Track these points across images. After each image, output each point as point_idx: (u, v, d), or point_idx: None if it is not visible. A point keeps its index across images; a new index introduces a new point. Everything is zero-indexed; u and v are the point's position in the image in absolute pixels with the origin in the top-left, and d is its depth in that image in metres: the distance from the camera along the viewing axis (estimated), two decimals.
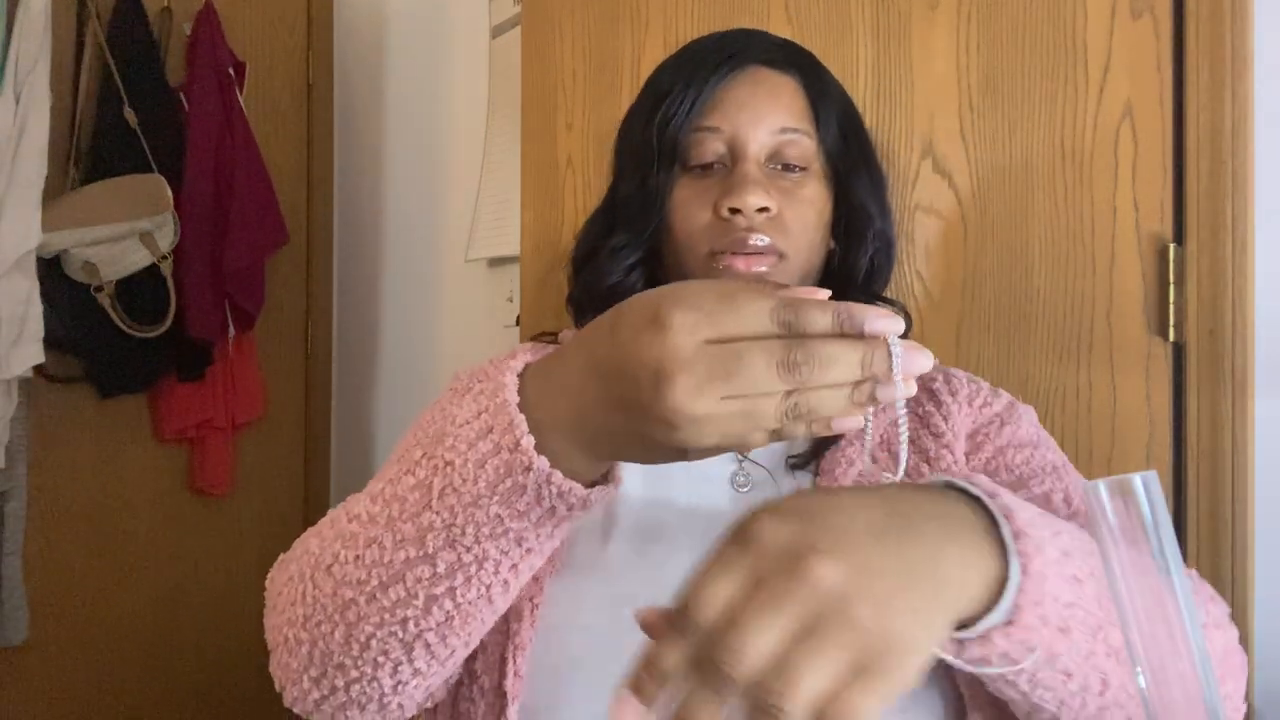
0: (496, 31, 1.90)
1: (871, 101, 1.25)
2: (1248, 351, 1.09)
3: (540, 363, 0.54)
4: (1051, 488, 0.76)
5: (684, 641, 0.42)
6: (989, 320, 1.21)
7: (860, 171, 0.85)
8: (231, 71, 2.17)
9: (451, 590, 0.56)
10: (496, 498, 0.52)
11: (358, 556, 0.58)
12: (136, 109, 2.02)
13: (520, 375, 0.54)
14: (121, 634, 2.11)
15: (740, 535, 0.44)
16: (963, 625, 0.50)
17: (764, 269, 0.78)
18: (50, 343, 1.84)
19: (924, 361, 0.46)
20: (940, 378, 0.85)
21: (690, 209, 0.80)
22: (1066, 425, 1.15)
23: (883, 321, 0.45)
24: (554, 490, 0.52)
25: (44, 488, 2.00)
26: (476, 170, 1.94)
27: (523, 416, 0.51)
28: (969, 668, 0.52)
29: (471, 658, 0.72)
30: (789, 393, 0.45)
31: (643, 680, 0.43)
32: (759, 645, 0.41)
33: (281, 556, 0.69)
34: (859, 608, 0.42)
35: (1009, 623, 0.49)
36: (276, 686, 0.66)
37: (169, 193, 2.00)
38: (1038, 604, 0.50)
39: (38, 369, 1.87)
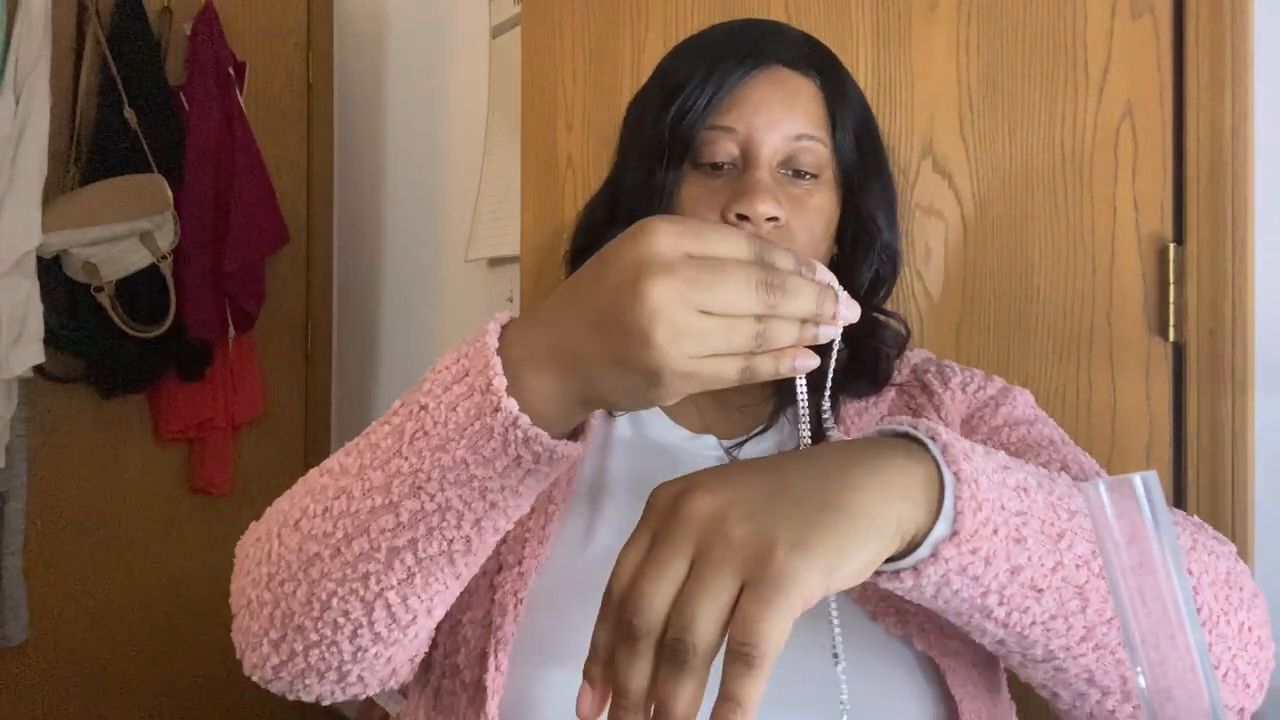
0: (496, 31, 1.90)
1: (871, 101, 1.24)
2: (1248, 351, 1.09)
3: (524, 315, 0.54)
4: (1049, 459, 0.75)
5: (607, 616, 0.46)
6: (989, 320, 1.21)
7: (872, 182, 0.83)
8: (231, 71, 2.17)
9: (413, 543, 0.56)
10: (465, 440, 0.52)
11: (325, 509, 0.58)
12: (136, 109, 2.02)
13: (505, 325, 0.54)
14: (121, 634, 2.11)
15: (645, 508, 0.48)
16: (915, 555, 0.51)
17: None
18: (50, 343, 1.84)
19: (855, 313, 0.51)
20: (933, 369, 0.85)
21: (697, 210, 0.78)
22: (1066, 425, 1.15)
23: (828, 274, 0.50)
24: (520, 435, 0.51)
25: (44, 488, 2.00)
26: (476, 170, 1.94)
27: (499, 359, 0.51)
28: (938, 603, 0.53)
29: (454, 651, 0.72)
30: (759, 318, 0.47)
31: (588, 666, 0.46)
32: (656, 594, 0.44)
33: (252, 523, 0.69)
34: (734, 527, 0.44)
35: (955, 533, 0.50)
36: (236, 653, 0.66)
37: (169, 193, 2.00)
38: (977, 509, 0.50)
39: (38, 369, 1.87)
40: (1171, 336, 1.12)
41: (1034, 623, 0.55)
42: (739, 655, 0.42)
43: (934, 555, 0.50)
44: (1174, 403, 1.12)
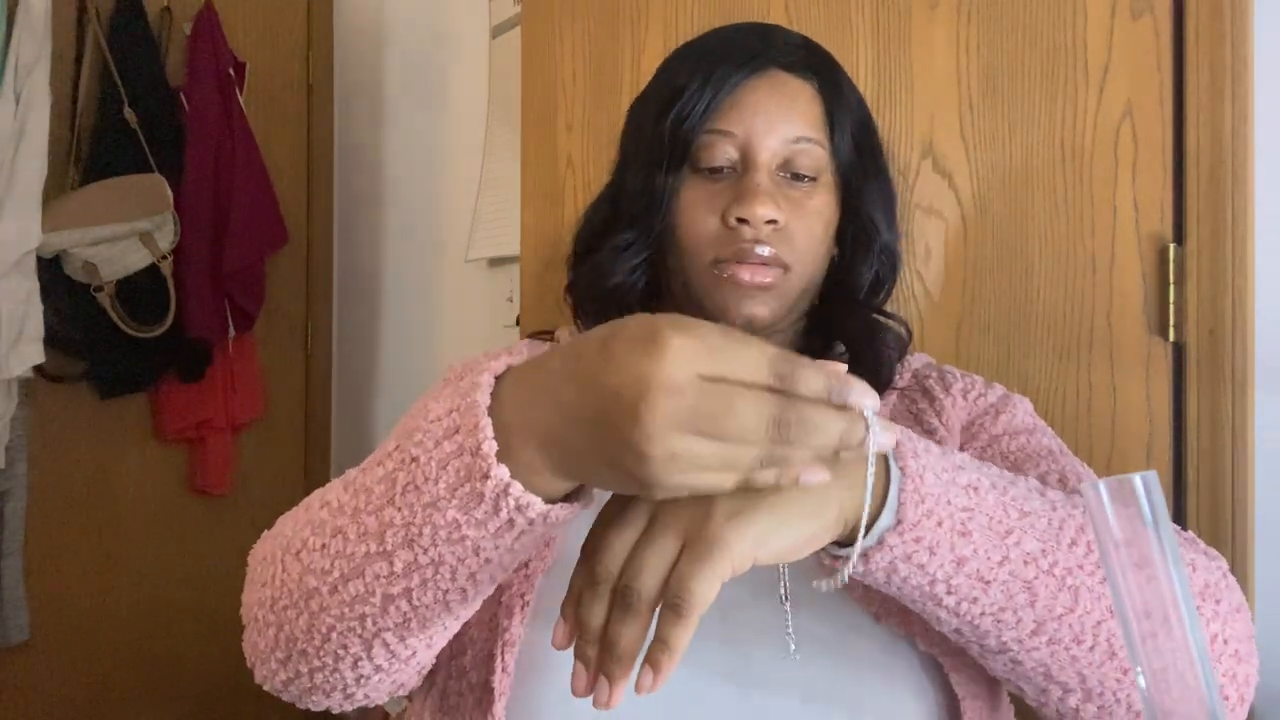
0: (496, 31, 1.90)
1: (871, 101, 1.25)
2: (1248, 351, 1.09)
3: (523, 365, 0.52)
4: (1047, 470, 0.76)
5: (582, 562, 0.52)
6: (989, 320, 1.21)
7: (871, 184, 0.83)
8: (231, 71, 2.17)
9: (408, 591, 0.55)
10: (455, 501, 0.50)
11: (324, 545, 0.57)
12: (136, 109, 2.02)
13: (501, 377, 0.52)
14: (122, 634, 2.11)
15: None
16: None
17: (768, 280, 0.77)
18: (50, 343, 1.84)
19: (891, 439, 0.48)
20: (934, 374, 0.85)
21: (697, 213, 0.79)
22: (1066, 425, 1.15)
23: (869, 398, 0.46)
24: (511, 502, 0.49)
25: (44, 488, 2.00)
26: (476, 170, 1.94)
27: (489, 420, 0.49)
28: (892, 589, 0.58)
29: (461, 653, 0.72)
30: (770, 444, 0.45)
31: (564, 604, 0.53)
32: (616, 545, 0.51)
33: (265, 532, 0.69)
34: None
35: (898, 522, 0.54)
36: (247, 663, 0.66)
37: (169, 193, 2.00)
38: (920, 501, 0.54)
39: (38, 369, 1.87)
40: (1171, 336, 1.12)
41: (983, 613, 0.58)
42: (671, 605, 0.48)
43: (880, 543, 0.55)
44: (1174, 403, 1.12)
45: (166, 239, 2.01)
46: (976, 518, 0.56)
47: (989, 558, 0.56)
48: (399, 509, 0.53)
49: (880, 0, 1.25)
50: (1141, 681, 0.38)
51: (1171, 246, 1.12)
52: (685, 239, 0.79)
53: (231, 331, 2.15)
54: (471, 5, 1.98)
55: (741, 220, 0.76)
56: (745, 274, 0.76)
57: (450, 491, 0.50)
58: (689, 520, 0.50)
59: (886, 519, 0.55)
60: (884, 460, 0.55)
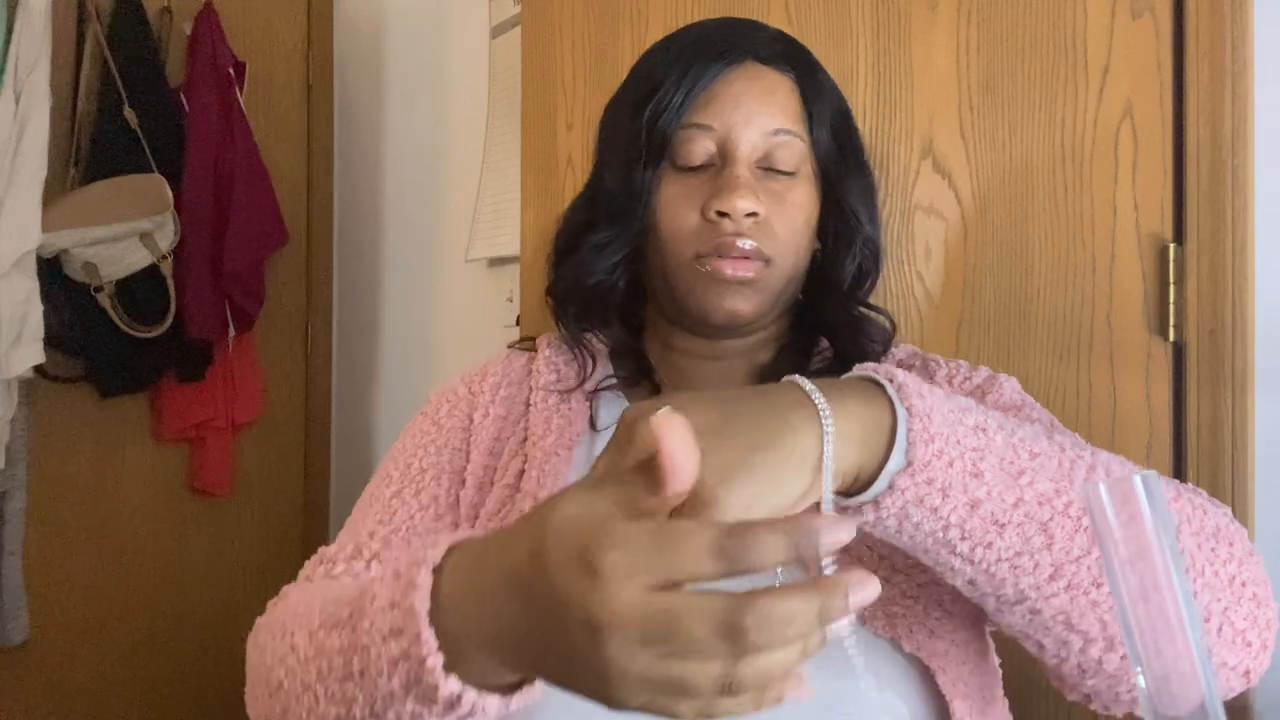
0: (496, 31, 1.90)
1: (871, 101, 1.25)
2: (1248, 351, 1.09)
3: (461, 558, 0.49)
4: None
5: None
6: (989, 320, 1.21)
7: (851, 176, 0.83)
8: (231, 71, 2.17)
9: None
10: (411, 698, 0.49)
11: (297, 696, 0.57)
12: (136, 109, 2.02)
13: (443, 563, 0.49)
14: (121, 634, 2.11)
15: (616, 426, 0.50)
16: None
17: (750, 274, 0.77)
18: (50, 343, 1.84)
19: (873, 591, 0.40)
20: (918, 363, 0.85)
21: (677, 209, 0.78)
22: (1066, 425, 1.15)
23: (843, 531, 0.40)
24: (467, 706, 0.48)
25: (44, 487, 2.00)
26: (476, 170, 1.94)
27: (431, 631, 0.47)
28: (903, 539, 0.55)
29: None
30: (732, 658, 0.39)
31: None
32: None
33: (260, 620, 0.68)
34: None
35: (909, 464, 0.52)
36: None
37: (169, 193, 2.00)
38: (930, 441, 0.53)
39: (38, 369, 1.87)
40: (1171, 336, 1.12)
41: (999, 559, 0.56)
42: None
43: (891, 487, 0.53)
44: (1174, 403, 1.12)
45: (166, 239, 2.01)
46: (987, 458, 0.54)
47: (1003, 499, 0.54)
48: (362, 688, 0.52)
49: (880, 0, 1.25)
50: (1141, 681, 0.38)
51: (1171, 246, 1.12)
52: (666, 235, 0.79)
53: (231, 331, 2.15)
54: (471, 5, 1.98)
55: (722, 214, 0.76)
56: (727, 268, 0.76)
57: (405, 691, 0.49)
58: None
59: (896, 460, 0.53)
60: (890, 407, 0.54)
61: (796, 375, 0.55)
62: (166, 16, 2.14)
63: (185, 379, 2.12)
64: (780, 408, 0.52)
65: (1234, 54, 1.09)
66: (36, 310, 1.80)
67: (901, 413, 0.53)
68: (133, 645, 2.13)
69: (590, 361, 0.87)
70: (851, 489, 0.54)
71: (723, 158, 0.78)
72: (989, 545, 0.55)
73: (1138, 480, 0.37)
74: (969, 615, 0.73)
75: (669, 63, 0.80)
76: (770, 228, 0.77)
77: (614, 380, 0.86)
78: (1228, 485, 1.09)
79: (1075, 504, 0.56)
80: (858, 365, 0.59)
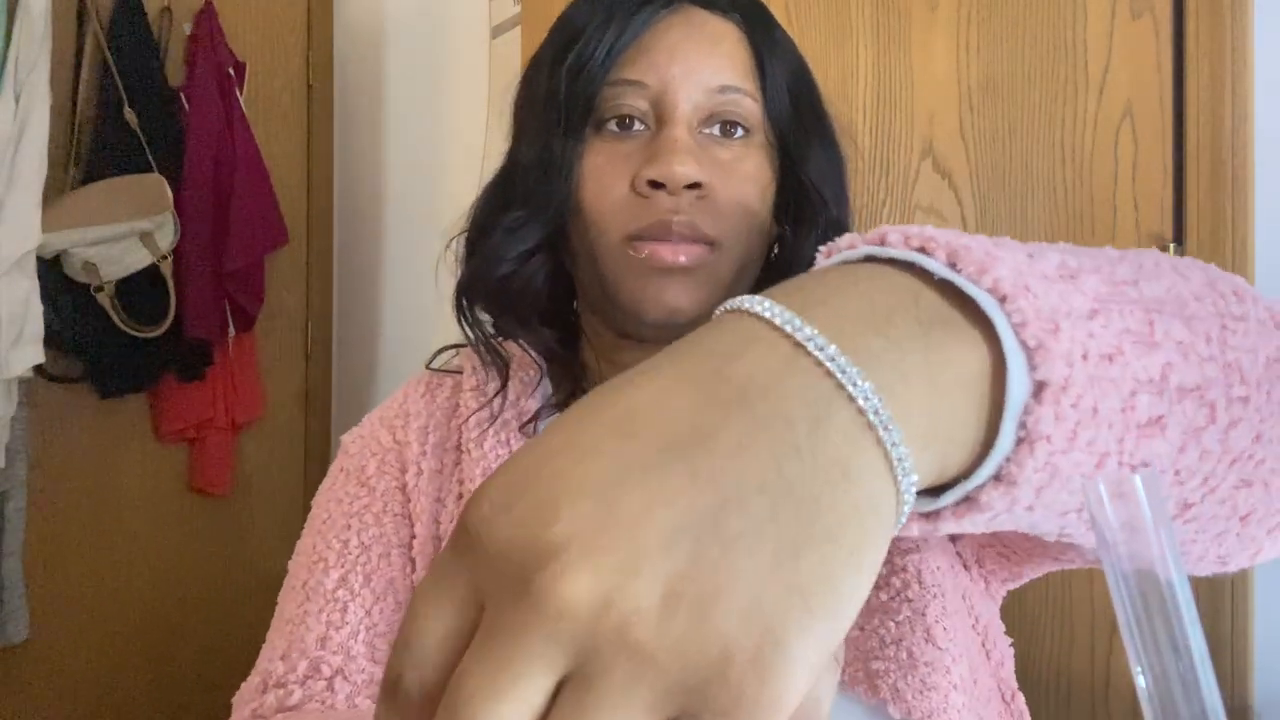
0: (496, 31, 1.90)
1: (871, 102, 1.25)
2: None
3: None
4: None
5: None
6: None
7: (812, 144, 0.69)
8: (231, 71, 2.17)
9: None
10: None
11: None
12: (136, 109, 2.02)
13: None
14: (121, 634, 2.11)
15: (456, 532, 0.26)
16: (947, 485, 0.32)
17: (690, 260, 0.63)
18: (50, 343, 1.84)
19: None
20: None
21: (603, 180, 0.64)
22: None
23: None
24: None
25: (44, 488, 2.00)
26: (476, 170, 1.94)
27: None
28: (1039, 504, 0.33)
29: None
30: None
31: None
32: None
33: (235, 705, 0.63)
34: (642, 628, 0.24)
35: (1041, 387, 0.30)
36: None
37: (169, 193, 2.00)
38: (1054, 334, 0.31)
39: (38, 369, 1.87)
40: None
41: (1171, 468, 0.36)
42: None
43: (1024, 434, 0.31)
44: None
45: (166, 239, 2.01)
46: (1110, 321, 0.33)
47: (1148, 375, 0.33)
48: None
49: (880, 1, 1.25)
50: (1141, 682, 0.38)
51: (1171, 246, 1.12)
52: (591, 212, 0.65)
53: (231, 331, 2.15)
54: (471, 5, 1.98)
55: (656, 184, 0.62)
56: (666, 252, 0.62)
57: None
58: (678, 679, 0.24)
59: (1019, 388, 0.30)
60: (978, 334, 0.31)
61: (772, 309, 0.29)
62: (166, 16, 2.14)
63: (185, 379, 2.12)
64: (820, 469, 0.26)
65: (1234, 54, 1.09)
66: (36, 310, 1.80)
67: (1012, 343, 0.30)
68: (133, 645, 2.13)
69: (507, 378, 0.71)
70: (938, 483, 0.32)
71: (658, 120, 0.65)
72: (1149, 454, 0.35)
73: (1137, 479, 0.37)
74: (966, 633, 0.61)
75: (591, 9, 0.68)
76: (715, 204, 0.63)
77: (554, 402, 0.71)
78: None
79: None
80: (846, 237, 0.35)
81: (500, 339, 0.72)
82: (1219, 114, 1.09)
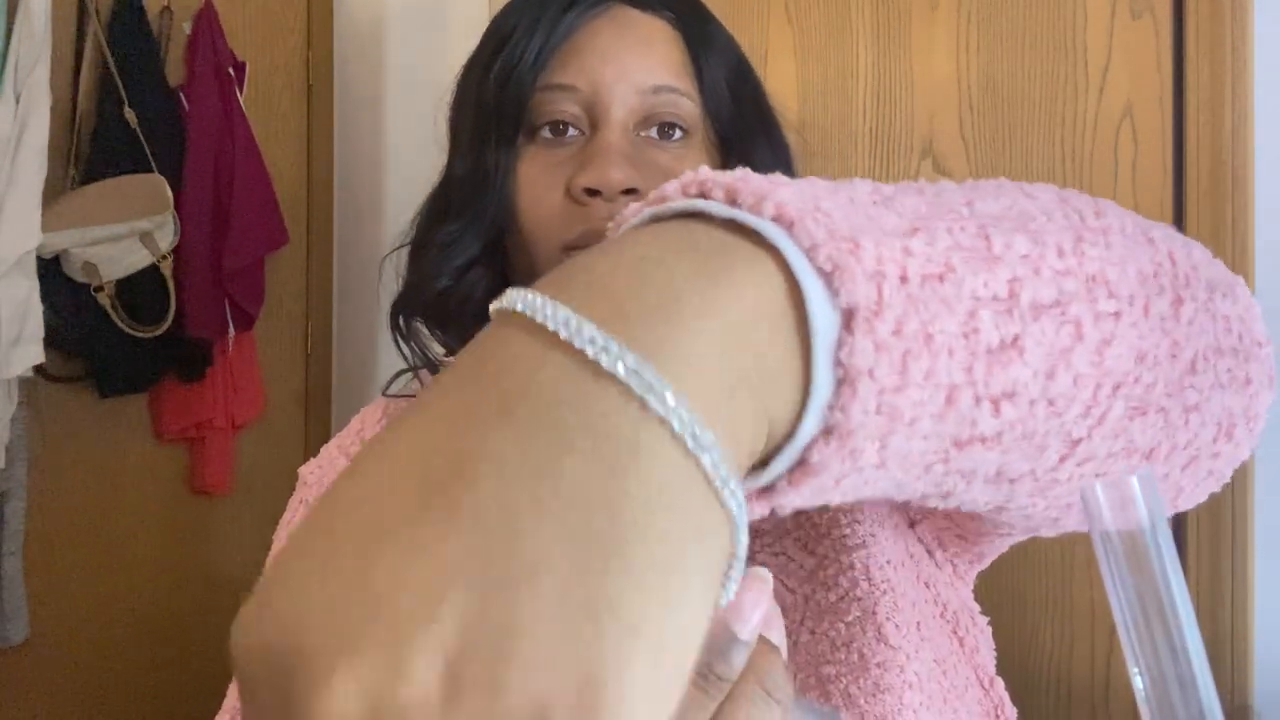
0: None
1: (871, 102, 1.25)
2: None
3: None
4: None
5: None
6: None
7: (757, 140, 0.67)
8: (231, 71, 2.17)
9: None
10: None
11: None
12: (136, 109, 2.02)
13: None
14: (121, 634, 2.11)
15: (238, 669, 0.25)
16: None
17: None
18: (50, 343, 1.84)
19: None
20: None
21: (538, 190, 0.63)
22: None
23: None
24: None
25: (44, 488, 2.00)
26: None
27: None
28: (888, 470, 0.30)
29: None
30: None
31: None
32: None
33: None
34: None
35: (850, 317, 0.27)
36: None
37: (169, 193, 2.00)
38: (878, 311, 0.28)
39: (38, 369, 1.87)
40: None
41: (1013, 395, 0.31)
42: None
43: (847, 379, 0.27)
44: None
45: (166, 239, 2.01)
46: (935, 243, 0.30)
47: (988, 290, 0.30)
48: None
49: (880, 1, 1.25)
50: (1139, 682, 0.38)
51: None
52: (526, 223, 0.64)
53: (231, 331, 2.15)
54: (472, 5, 1.98)
55: (591, 191, 0.61)
56: None
57: None
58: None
59: (824, 320, 0.27)
60: (776, 275, 0.27)
61: (529, 302, 0.26)
62: (166, 16, 2.14)
63: (185, 379, 2.12)
64: (585, 442, 0.23)
65: (1234, 54, 1.09)
66: (36, 310, 1.80)
67: (804, 268, 0.27)
68: (133, 645, 2.13)
69: None
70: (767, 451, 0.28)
71: (591, 124, 0.63)
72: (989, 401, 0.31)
73: (1135, 480, 0.37)
74: (931, 623, 0.59)
75: (519, 13, 0.67)
76: None
77: None
78: (1228, 486, 1.09)
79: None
80: (631, 206, 0.32)
81: (450, 355, 0.70)
82: (1219, 114, 1.09)
